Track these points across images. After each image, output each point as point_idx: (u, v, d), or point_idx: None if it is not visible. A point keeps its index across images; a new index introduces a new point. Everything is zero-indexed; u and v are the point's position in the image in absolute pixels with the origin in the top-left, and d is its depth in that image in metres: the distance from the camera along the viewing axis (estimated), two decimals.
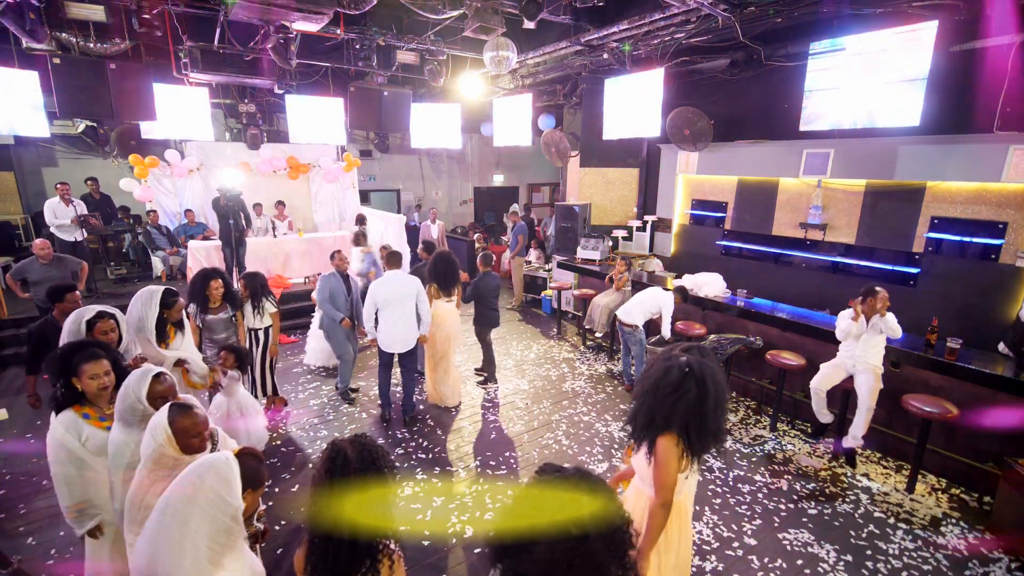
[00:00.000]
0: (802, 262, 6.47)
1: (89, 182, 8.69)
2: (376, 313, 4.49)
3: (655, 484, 1.93)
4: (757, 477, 4.02)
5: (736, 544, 3.30)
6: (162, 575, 1.43)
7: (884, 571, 3.08)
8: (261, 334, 4.58)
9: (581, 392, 5.53)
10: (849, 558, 3.17)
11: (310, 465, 4.13)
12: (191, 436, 1.88)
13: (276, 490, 3.78)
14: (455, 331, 5.15)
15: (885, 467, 4.21)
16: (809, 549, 3.25)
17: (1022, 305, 4.52)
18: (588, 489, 1.24)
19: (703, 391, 1.82)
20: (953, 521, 3.55)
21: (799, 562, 3.15)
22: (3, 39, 5.84)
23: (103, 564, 2.37)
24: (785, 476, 4.03)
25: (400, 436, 4.60)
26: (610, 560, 1.19)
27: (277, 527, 3.39)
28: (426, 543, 3.25)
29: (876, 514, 3.60)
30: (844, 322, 4.01)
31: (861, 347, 3.93)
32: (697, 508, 3.52)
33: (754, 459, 4.28)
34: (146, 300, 3.26)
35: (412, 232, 10.55)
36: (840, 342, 4.12)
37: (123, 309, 3.28)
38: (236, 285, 4.65)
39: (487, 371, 5.70)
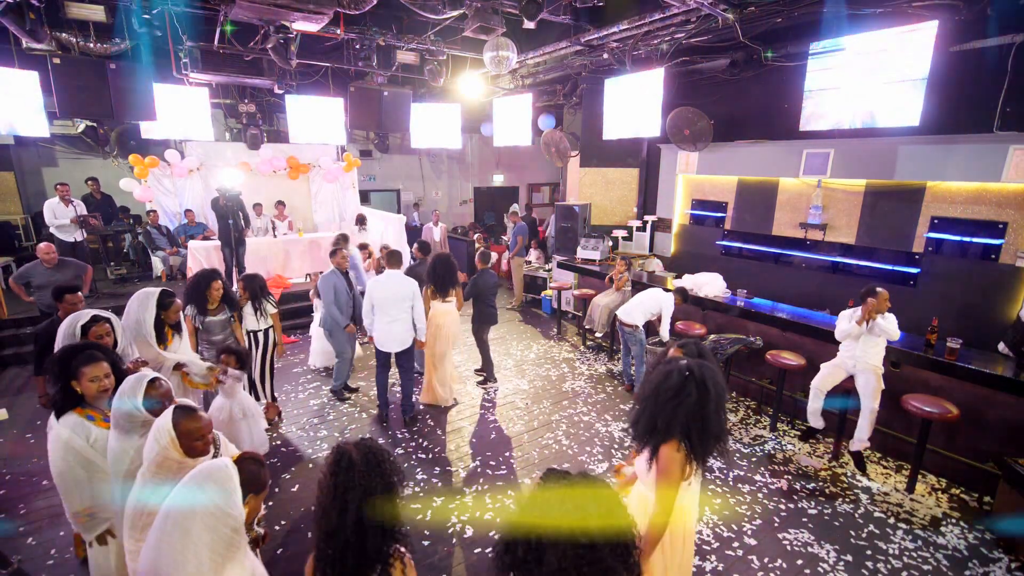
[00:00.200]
0: (802, 262, 6.47)
1: (90, 182, 8.70)
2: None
3: (656, 495, 1.92)
4: (757, 477, 4.02)
5: (736, 544, 3.29)
6: None
7: (884, 571, 3.08)
8: (261, 336, 4.54)
9: (581, 392, 5.53)
10: (849, 558, 3.17)
11: (310, 465, 4.13)
12: (195, 439, 1.88)
13: (276, 490, 3.77)
14: (454, 331, 5.15)
15: (885, 467, 4.21)
16: (809, 549, 3.25)
17: (1022, 305, 4.52)
18: (593, 496, 1.24)
19: (704, 394, 1.82)
20: (953, 521, 3.55)
21: (799, 562, 3.15)
22: (3, 39, 5.84)
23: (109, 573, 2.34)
24: (785, 476, 4.03)
25: (400, 436, 4.60)
26: (617, 565, 1.19)
27: (277, 527, 3.39)
28: (426, 543, 3.25)
29: (876, 514, 3.60)
30: (844, 323, 4.00)
31: (861, 347, 3.93)
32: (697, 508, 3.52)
33: (754, 459, 4.28)
34: (143, 302, 3.24)
35: (412, 232, 10.55)
36: (838, 342, 4.13)
37: (123, 309, 3.29)
38: (236, 286, 4.64)
39: (486, 370, 5.72)
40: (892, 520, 3.54)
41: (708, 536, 3.35)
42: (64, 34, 5.75)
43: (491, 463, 4.19)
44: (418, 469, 4.08)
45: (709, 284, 5.67)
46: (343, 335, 5.09)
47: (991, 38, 4.59)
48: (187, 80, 7.11)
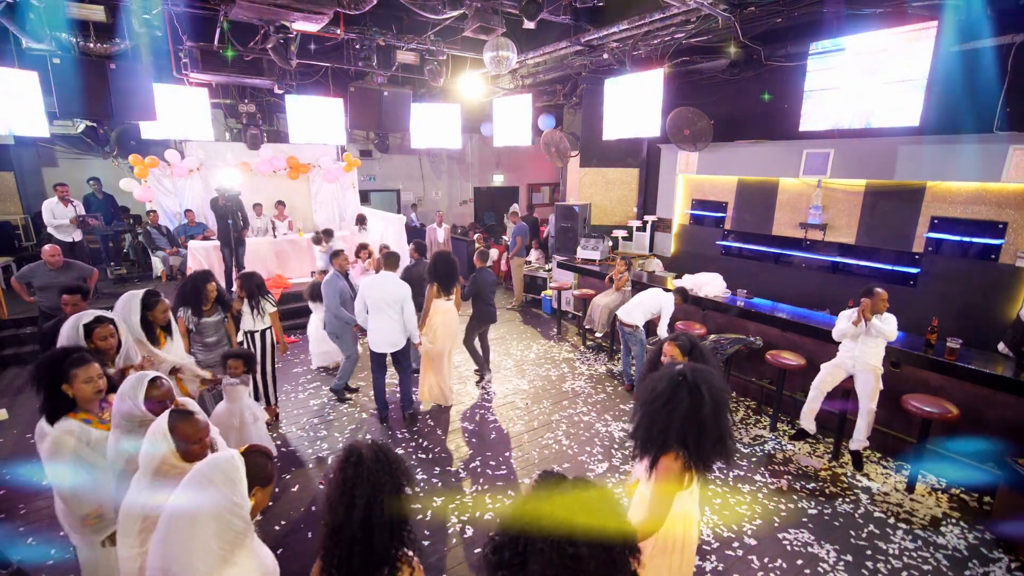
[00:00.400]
0: (802, 262, 6.47)
1: (92, 182, 8.70)
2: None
3: (650, 502, 1.91)
4: (757, 477, 4.02)
5: (736, 544, 3.30)
6: (176, 573, 1.44)
7: (884, 571, 3.08)
8: (258, 336, 4.47)
9: (581, 392, 5.53)
10: (849, 558, 3.17)
11: (310, 465, 4.13)
12: (192, 442, 1.87)
13: (276, 490, 3.78)
14: (455, 330, 5.16)
15: (885, 467, 4.21)
16: (809, 549, 3.25)
17: (1022, 305, 4.52)
18: (584, 504, 1.23)
19: (697, 399, 1.79)
20: (953, 521, 3.55)
21: (799, 562, 3.15)
22: (3, 39, 5.84)
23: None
24: (785, 476, 4.04)
25: (400, 436, 4.60)
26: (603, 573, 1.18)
27: (277, 527, 3.39)
28: (426, 543, 3.25)
29: (876, 514, 3.60)
30: (842, 322, 4.01)
31: (860, 347, 3.93)
32: None
33: (754, 459, 4.28)
34: (127, 303, 3.19)
35: (412, 232, 10.54)
36: (838, 342, 4.13)
37: None
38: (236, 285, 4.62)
39: (479, 365, 5.81)
40: (892, 520, 3.54)
41: (708, 536, 3.35)
42: (64, 34, 5.75)
43: (491, 463, 4.19)
44: (418, 469, 4.08)
45: (709, 284, 5.67)
46: (350, 336, 5.06)
47: (991, 38, 4.59)
48: (187, 80, 7.11)
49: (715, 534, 3.37)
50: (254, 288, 4.42)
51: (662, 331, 5.10)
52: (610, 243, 8.07)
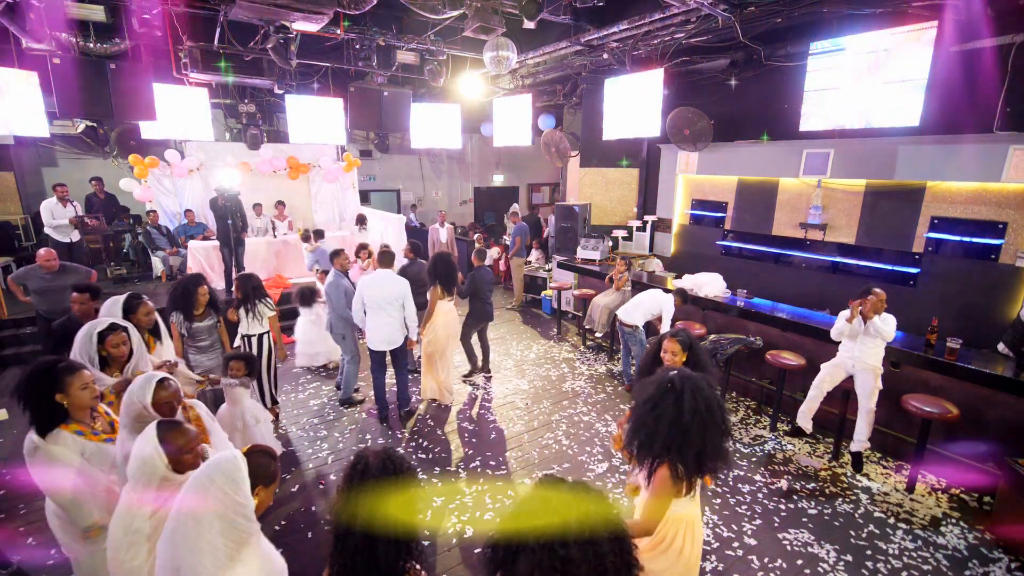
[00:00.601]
0: (802, 262, 6.47)
1: (93, 182, 8.69)
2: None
3: (642, 508, 1.91)
4: (757, 477, 4.02)
5: (736, 544, 3.30)
6: (185, 573, 1.46)
7: (884, 571, 3.08)
8: (255, 340, 4.40)
9: (581, 392, 5.53)
10: (849, 558, 3.17)
11: (310, 465, 4.13)
12: (183, 453, 1.86)
13: (276, 491, 3.77)
14: (456, 329, 5.18)
15: (885, 467, 4.21)
16: (809, 549, 3.25)
17: (1022, 305, 4.52)
18: (580, 509, 1.22)
19: (679, 405, 1.78)
20: (953, 521, 3.55)
21: (799, 562, 3.15)
22: (3, 39, 5.84)
23: None
24: (785, 476, 4.04)
25: (400, 436, 4.60)
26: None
27: (277, 527, 3.39)
28: (426, 543, 3.25)
29: (876, 514, 3.60)
30: (841, 322, 4.01)
31: (859, 347, 3.93)
32: None
33: (754, 459, 4.28)
34: (109, 308, 3.15)
35: (412, 232, 10.54)
36: (837, 342, 4.13)
37: None
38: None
39: (472, 363, 5.84)
40: (892, 520, 3.54)
41: (708, 536, 3.35)
42: (64, 34, 5.74)
43: (491, 463, 4.19)
44: (418, 469, 4.08)
45: (709, 284, 5.67)
46: (353, 340, 5.03)
47: (991, 38, 4.59)
48: (187, 80, 7.11)
49: (715, 534, 3.37)
50: (250, 290, 4.35)
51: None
52: (610, 243, 8.07)
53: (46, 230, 6.93)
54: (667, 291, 5.24)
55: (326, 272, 6.18)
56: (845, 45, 5.06)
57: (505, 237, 10.97)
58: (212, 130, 8.06)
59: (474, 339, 5.83)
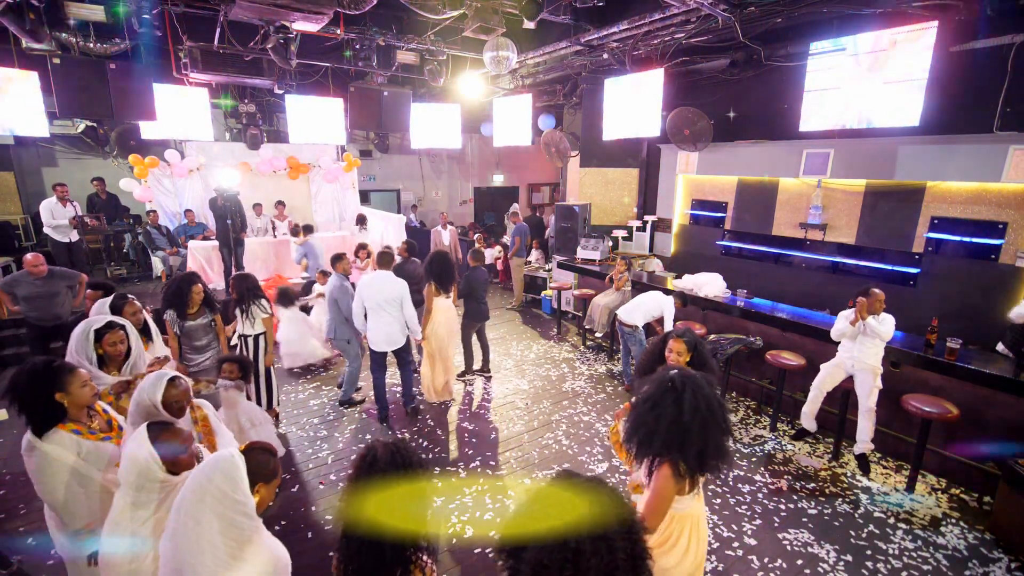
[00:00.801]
0: (802, 262, 6.47)
1: (95, 182, 8.68)
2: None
3: (645, 506, 1.91)
4: (757, 477, 4.02)
5: (736, 544, 3.30)
6: (187, 572, 1.46)
7: (884, 571, 3.08)
8: (251, 341, 4.33)
9: (581, 392, 5.53)
10: (849, 558, 3.17)
11: (310, 465, 4.13)
12: (178, 453, 1.86)
13: (276, 491, 3.77)
14: (455, 327, 5.19)
15: (885, 467, 4.21)
16: (809, 549, 3.25)
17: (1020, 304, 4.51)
18: (595, 503, 1.22)
19: (679, 404, 1.78)
20: (953, 521, 3.55)
21: (799, 562, 3.15)
22: (3, 39, 5.84)
23: None
24: (785, 476, 4.04)
25: (400, 435, 4.60)
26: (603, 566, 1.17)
27: (277, 527, 3.39)
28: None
29: (876, 514, 3.60)
30: (841, 323, 4.01)
31: (859, 348, 3.93)
32: None
33: (754, 459, 4.28)
34: (98, 309, 3.14)
35: (412, 232, 10.52)
36: (838, 342, 4.13)
37: None
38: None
39: (468, 363, 5.84)
40: (892, 520, 3.54)
41: (708, 536, 3.34)
42: (64, 34, 5.74)
43: (491, 463, 4.19)
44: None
45: (709, 284, 5.67)
46: (356, 345, 4.98)
47: (991, 38, 4.59)
48: (187, 80, 7.11)
49: (715, 534, 3.37)
50: (245, 291, 4.29)
51: None
52: (610, 243, 8.07)
53: (46, 230, 6.92)
54: (668, 292, 5.24)
55: (325, 273, 6.19)
56: (845, 45, 5.05)
57: (505, 237, 10.96)
58: (212, 130, 8.06)
59: (474, 339, 5.84)
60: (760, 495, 3.80)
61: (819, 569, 3.09)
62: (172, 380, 2.17)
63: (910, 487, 3.88)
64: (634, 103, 6.77)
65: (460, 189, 14.66)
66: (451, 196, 14.52)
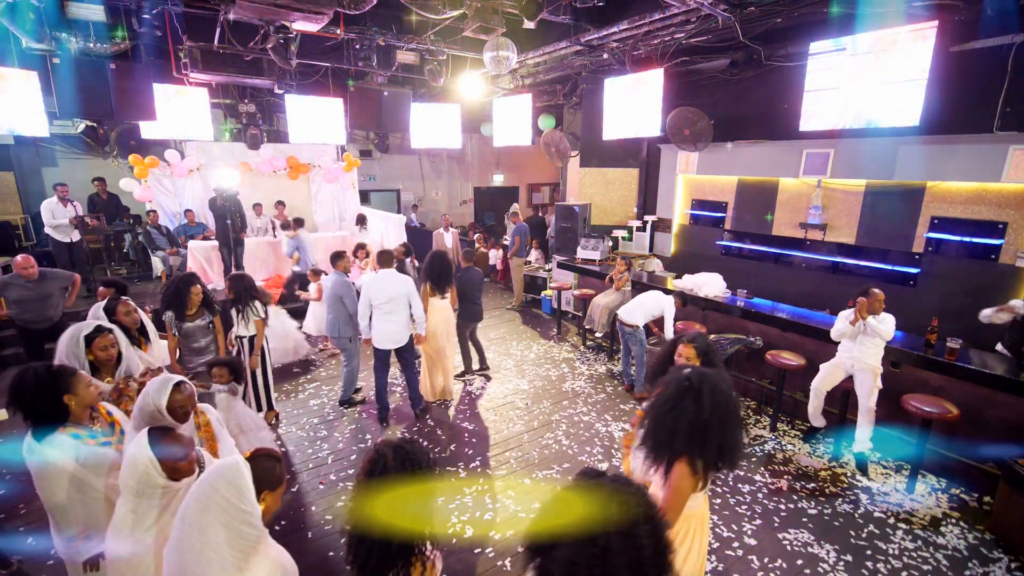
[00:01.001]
0: (802, 262, 6.47)
1: (96, 182, 8.68)
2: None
3: (664, 507, 1.90)
4: (757, 477, 4.02)
5: (736, 544, 3.30)
6: None
7: (884, 571, 3.08)
8: (247, 342, 4.32)
9: (581, 392, 5.53)
10: (849, 558, 3.17)
11: (310, 465, 4.13)
12: (178, 459, 1.83)
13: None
14: (452, 327, 5.20)
15: (885, 467, 4.21)
16: (809, 549, 3.25)
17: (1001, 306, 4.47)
18: (620, 500, 1.23)
19: (699, 403, 1.79)
20: (953, 521, 3.55)
21: (799, 562, 3.15)
22: (3, 39, 5.84)
23: None
24: (785, 476, 4.04)
25: (400, 435, 4.59)
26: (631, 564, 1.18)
27: (277, 527, 3.39)
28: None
29: (876, 514, 3.60)
30: (841, 323, 4.01)
31: (858, 347, 3.93)
32: None
33: (754, 459, 4.28)
34: (93, 312, 3.11)
35: (411, 233, 10.50)
36: (838, 342, 4.13)
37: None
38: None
39: (466, 363, 5.84)
40: (892, 520, 3.54)
41: (709, 536, 3.35)
42: (64, 34, 5.74)
43: (491, 463, 4.19)
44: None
45: (709, 284, 5.67)
46: (358, 340, 4.95)
47: (991, 38, 4.59)
48: (187, 80, 7.11)
49: (715, 534, 3.37)
50: (242, 290, 4.26)
51: (668, 333, 5.10)
52: (610, 243, 8.07)
53: (46, 230, 6.92)
54: (668, 292, 5.25)
55: (317, 272, 6.19)
56: (845, 45, 5.05)
57: (505, 237, 10.95)
58: (212, 130, 8.06)
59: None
60: (760, 495, 3.80)
61: (819, 569, 3.09)
62: (178, 385, 2.14)
63: (910, 487, 3.88)
64: (634, 103, 6.77)
65: (460, 189, 14.67)
66: (451, 196, 14.52)
